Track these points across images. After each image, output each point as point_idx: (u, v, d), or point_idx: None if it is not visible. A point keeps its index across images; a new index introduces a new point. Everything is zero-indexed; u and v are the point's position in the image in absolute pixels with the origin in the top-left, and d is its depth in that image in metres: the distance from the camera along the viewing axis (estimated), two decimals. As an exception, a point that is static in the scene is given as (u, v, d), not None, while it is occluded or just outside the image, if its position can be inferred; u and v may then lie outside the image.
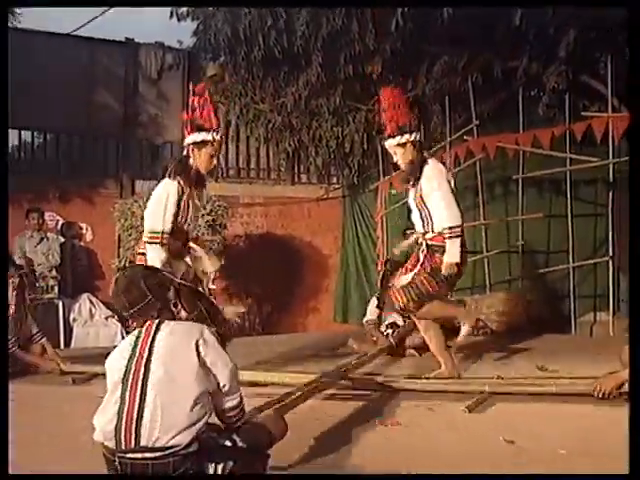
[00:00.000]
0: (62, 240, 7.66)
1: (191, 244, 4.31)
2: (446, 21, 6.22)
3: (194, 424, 2.28)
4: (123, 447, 2.27)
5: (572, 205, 6.79)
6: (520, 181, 7.06)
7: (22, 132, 8.29)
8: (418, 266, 4.37)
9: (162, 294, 2.52)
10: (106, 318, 7.49)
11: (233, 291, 8.24)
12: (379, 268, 7.32)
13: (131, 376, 2.33)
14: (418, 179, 4.32)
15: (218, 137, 4.24)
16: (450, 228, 4.24)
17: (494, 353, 5.32)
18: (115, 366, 2.40)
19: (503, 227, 7.35)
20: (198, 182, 4.28)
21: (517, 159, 7.02)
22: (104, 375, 2.49)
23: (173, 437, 2.25)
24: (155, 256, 4.11)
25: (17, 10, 7.25)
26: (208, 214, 7.13)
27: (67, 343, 7.15)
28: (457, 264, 4.28)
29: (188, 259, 4.31)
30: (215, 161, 4.33)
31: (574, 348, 5.68)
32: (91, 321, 7.43)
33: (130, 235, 7.33)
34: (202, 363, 2.35)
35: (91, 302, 7.55)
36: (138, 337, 2.42)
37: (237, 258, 7.89)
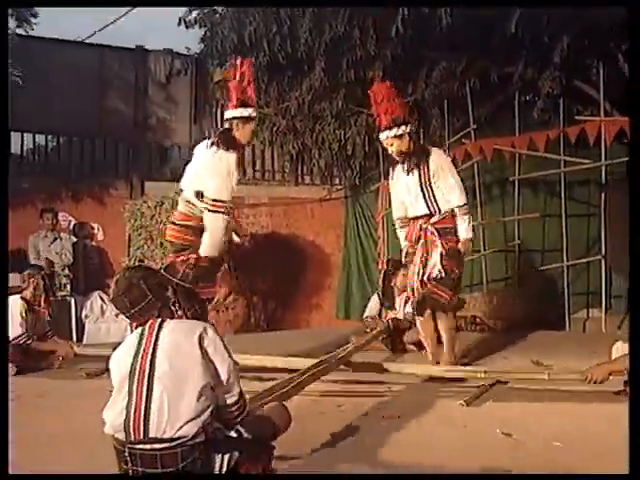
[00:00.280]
0: (74, 240, 7.71)
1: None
2: (445, 28, 6.33)
3: (199, 415, 2.34)
4: (132, 439, 2.33)
5: (566, 205, 6.91)
6: (516, 182, 7.18)
7: (36, 136, 8.46)
8: (437, 255, 4.48)
9: (162, 294, 2.56)
10: (116, 315, 7.44)
11: (239, 289, 8.35)
12: (380, 267, 7.40)
13: (137, 372, 2.38)
14: (422, 166, 4.49)
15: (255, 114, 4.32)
16: (463, 205, 4.51)
17: (492, 349, 5.45)
18: (121, 363, 2.45)
19: (500, 227, 7.44)
20: (242, 154, 4.38)
21: (513, 161, 7.13)
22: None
23: (180, 428, 2.31)
24: (220, 225, 4.15)
25: (32, 19, 7.44)
26: None
27: (79, 339, 7.20)
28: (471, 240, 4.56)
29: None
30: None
31: (568, 344, 5.77)
32: (102, 318, 7.47)
33: (140, 235, 7.46)
34: (205, 357, 2.39)
35: (102, 299, 7.56)
36: (142, 334, 2.47)
37: (243, 257, 8.01)
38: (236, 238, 4.46)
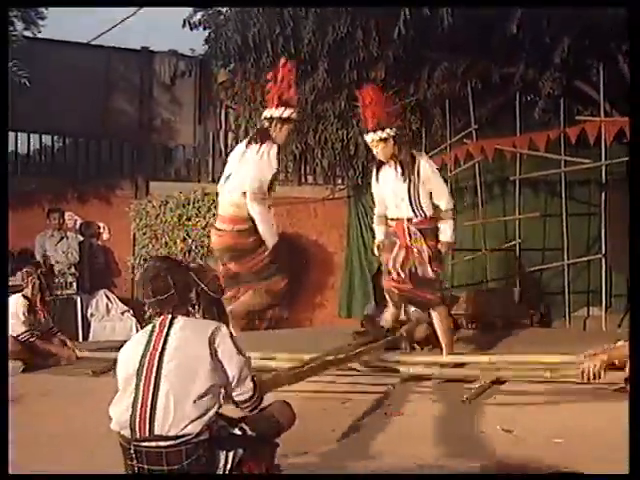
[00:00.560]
0: (81, 239, 7.84)
1: None
2: (446, 29, 6.35)
3: (205, 414, 2.35)
4: (138, 436, 2.34)
5: (567, 205, 6.94)
6: (517, 182, 7.20)
7: (43, 136, 8.54)
8: (425, 256, 4.61)
9: (184, 292, 2.56)
10: (122, 313, 7.66)
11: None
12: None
13: (145, 369, 2.38)
14: (412, 171, 4.61)
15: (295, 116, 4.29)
16: (451, 209, 4.65)
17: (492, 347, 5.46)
18: (129, 359, 2.46)
19: (501, 226, 7.47)
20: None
21: (514, 161, 7.15)
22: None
23: (185, 426, 2.33)
24: (268, 212, 4.22)
25: (40, 22, 7.51)
26: None
27: (85, 337, 7.33)
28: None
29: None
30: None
31: (568, 341, 5.75)
32: (107, 316, 7.59)
33: (145, 234, 7.55)
34: (214, 357, 2.40)
35: (108, 298, 7.72)
36: (152, 331, 2.48)
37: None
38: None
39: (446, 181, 4.79)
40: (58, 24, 7.65)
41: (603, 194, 6.72)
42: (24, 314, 5.20)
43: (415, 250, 4.65)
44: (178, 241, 7.26)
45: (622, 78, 6.19)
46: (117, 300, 7.78)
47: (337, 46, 7.08)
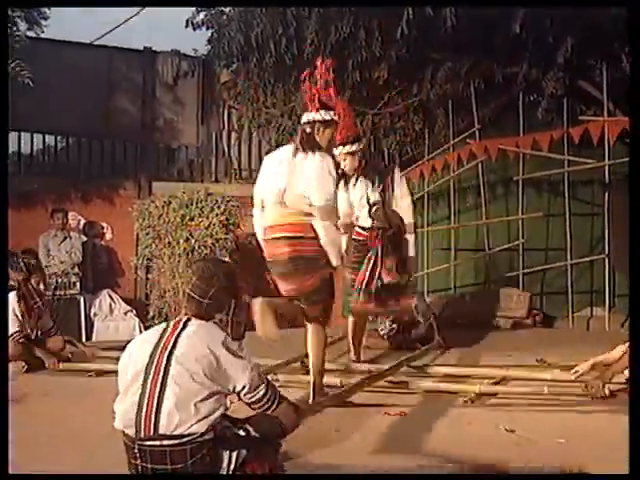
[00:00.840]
0: (84, 239, 7.81)
1: None
2: (449, 29, 6.38)
3: (210, 415, 2.36)
4: (142, 435, 2.35)
5: (570, 205, 6.97)
6: (520, 182, 7.22)
7: (46, 136, 8.55)
8: (393, 264, 4.80)
9: (222, 299, 2.58)
10: (125, 313, 7.62)
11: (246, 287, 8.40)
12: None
13: (153, 367, 2.39)
14: (387, 183, 4.78)
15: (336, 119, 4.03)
16: (413, 223, 4.91)
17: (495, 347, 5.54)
18: (138, 356, 2.46)
19: (504, 226, 7.49)
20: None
21: (517, 161, 7.17)
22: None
23: (190, 426, 2.33)
24: (336, 231, 3.89)
25: (43, 22, 7.52)
26: (222, 214, 7.30)
27: (88, 337, 7.29)
28: None
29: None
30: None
31: (572, 342, 5.85)
32: (111, 316, 7.56)
33: (148, 234, 7.51)
34: (219, 367, 2.41)
35: (111, 298, 7.69)
36: (165, 330, 2.49)
37: (250, 255, 8.07)
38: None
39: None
40: (61, 24, 7.67)
41: (606, 194, 6.76)
42: (14, 313, 5.17)
43: (386, 259, 4.79)
44: (181, 241, 7.25)
45: (625, 78, 6.18)
46: (120, 300, 7.76)
47: (340, 46, 7.08)
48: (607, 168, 6.63)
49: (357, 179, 4.82)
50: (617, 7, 5.36)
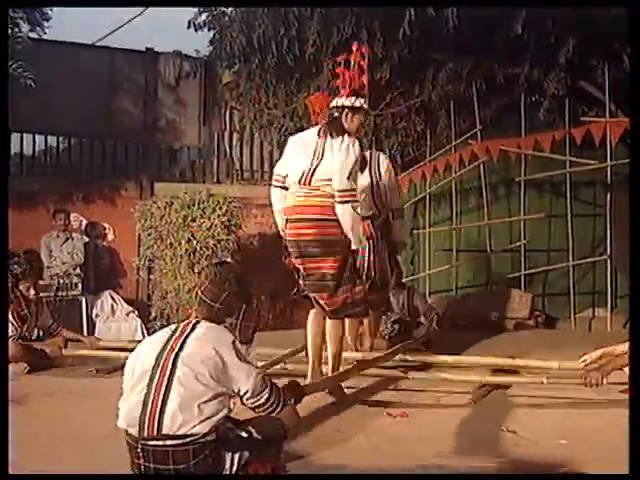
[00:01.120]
0: (86, 240, 7.84)
1: None
2: (451, 29, 6.39)
3: (213, 416, 2.40)
4: (146, 435, 2.38)
5: (572, 206, 6.93)
6: (522, 183, 7.20)
7: (48, 137, 8.56)
8: (385, 254, 4.85)
9: (232, 305, 2.63)
10: (127, 314, 7.65)
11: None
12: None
13: (160, 368, 2.43)
14: (374, 167, 4.76)
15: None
16: (401, 209, 5.02)
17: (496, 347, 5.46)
18: (145, 356, 2.50)
19: (506, 227, 7.47)
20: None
21: (519, 162, 7.15)
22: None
23: (193, 427, 2.37)
24: (355, 215, 3.84)
25: (45, 23, 7.54)
26: (224, 214, 7.31)
27: None
28: None
29: None
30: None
31: (574, 342, 5.73)
32: (113, 317, 7.59)
33: (149, 235, 7.53)
34: (225, 369, 2.45)
35: (113, 298, 7.72)
36: (174, 332, 2.53)
37: (251, 256, 8.09)
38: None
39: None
40: (63, 25, 7.68)
41: (608, 195, 6.73)
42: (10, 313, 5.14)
43: (379, 248, 4.78)
44: (183, 242, 7.26)
45: (627, 78, 6.17)
46: (122, 301, 7.79)
47: (342, 47, 7.09)
48: (609, 169, 6.61)
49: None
50: (617, 7, 5.33)
